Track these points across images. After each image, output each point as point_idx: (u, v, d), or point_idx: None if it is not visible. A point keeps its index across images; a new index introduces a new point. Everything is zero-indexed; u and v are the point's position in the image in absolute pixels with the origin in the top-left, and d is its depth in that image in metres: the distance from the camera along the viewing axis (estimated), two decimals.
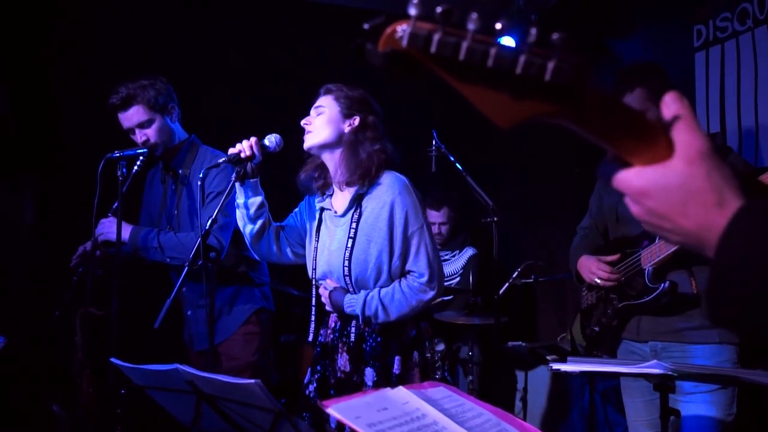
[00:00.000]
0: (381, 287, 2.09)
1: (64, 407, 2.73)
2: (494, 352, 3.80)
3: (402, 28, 0.56)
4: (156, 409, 1.87)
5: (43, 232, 3.68)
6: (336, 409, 1.12)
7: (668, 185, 0.65)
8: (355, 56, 0.57)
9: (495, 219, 3.08)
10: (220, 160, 2.17)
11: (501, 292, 3.59)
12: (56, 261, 2.87)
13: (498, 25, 0.57)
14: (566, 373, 1.70)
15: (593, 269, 2.37)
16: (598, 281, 2.35)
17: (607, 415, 3.24)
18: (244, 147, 2.12)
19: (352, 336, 2.10)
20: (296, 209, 2.37)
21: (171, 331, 2.78)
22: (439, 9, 0.56)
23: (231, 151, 2.13)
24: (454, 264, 4.03)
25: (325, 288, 2.18)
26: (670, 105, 0.67)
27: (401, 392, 1.30)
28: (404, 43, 0.56)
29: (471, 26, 0.57)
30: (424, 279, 2.07)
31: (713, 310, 0.65)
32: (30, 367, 3.39)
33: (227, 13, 4.07)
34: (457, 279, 3.96)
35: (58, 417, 2.77)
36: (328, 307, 2.18)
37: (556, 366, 1.63)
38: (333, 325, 2.16)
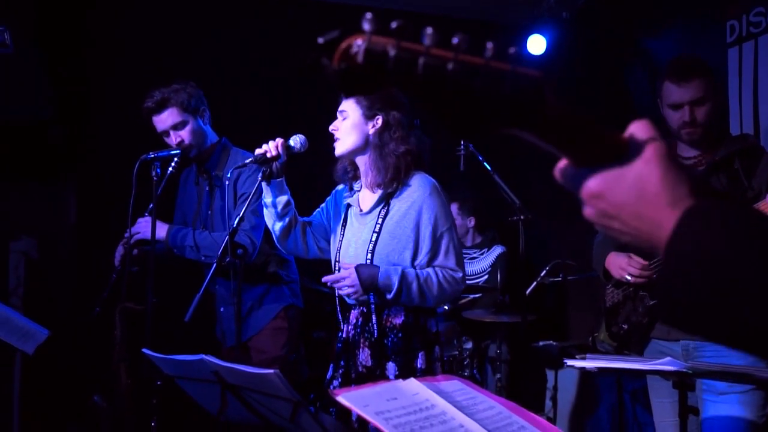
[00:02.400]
0: (427, 272, 2.11)
1: (105, 398, 2.86)
2: (521, 351, 3.81)
3: (357, 44, 0.56)
4: (188, 400, 1.96)
5: (86, 231, 3.84)
6: (346, 398, 1.18)
7: (622, 186, 0.67)
8: (309, 72, 0.58)
9: (521, 217, 3.09)
10: (247, 161, 2.24)
11: (529, 290, 3.60)
12: (98, 258, 3.01)
13: (455, 40, 0.57)
14: (583, 369, 1.71)
15: (623, 265, 2.32)
16: (629, 278, 2.31)
17: (636, 415, 3.21)
18: (270, 148, 2.19)
19: (375, 332, 2.14)
20: (323, 205, 2.43)
21: (205, 326, 2.89)
22: (393, 24, 0.56)
23: (257, 151, 2.21)
24: (483, 262, 4.05)
25: (344, 268, 2.15)
26: (633, 125, 0.70)
27: (412, 384, 1.34)
28: (360, 58, 0.56)
29: (427, 41, 0.57)
30: (459, 275, 2.14)
31: (663, 309, 0.66)
32: (72, 360, 3.55)
33: (252, 17, 4.17)
34: (486, 277, 3.98)
35: (98, 407, 2.90)
36: (346, 287, 2.12)
37: (570, 362, 1.65)
38: (354, 321, 2.19)
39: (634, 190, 0.66)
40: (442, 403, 1.30)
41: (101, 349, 2.88)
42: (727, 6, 3.30)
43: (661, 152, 0.67)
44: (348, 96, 2.04)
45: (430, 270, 2.12)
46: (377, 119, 2.16)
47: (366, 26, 0.56)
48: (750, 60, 3.17)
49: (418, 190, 2.14)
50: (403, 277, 2.07)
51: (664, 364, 1.53)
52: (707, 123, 2.20)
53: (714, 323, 0.63)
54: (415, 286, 2.08)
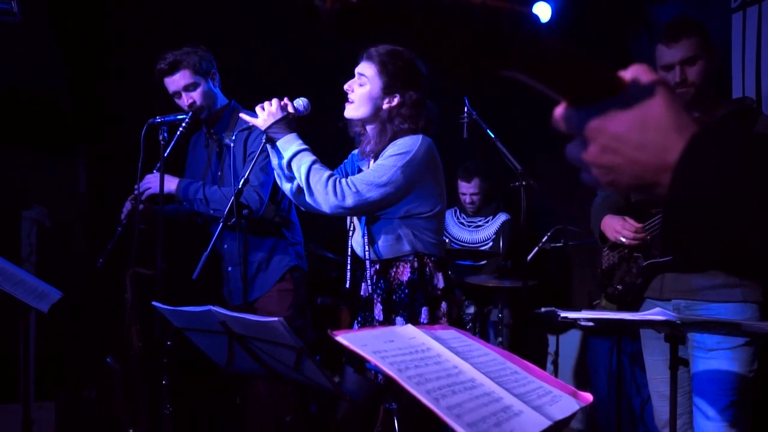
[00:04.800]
0: (331, 172, 2.13)
1: (117, 359, 2.95)
2: (523, 316, 3.88)
3: None
4: (198, 359, 2.03)
5: (95, 199, 3.92)
6: (344, 338, 1.24)
7: (624, 116, 0.65)
8: (303, 15, 0.57)
9: (523, 183, 3.13)
10: (251, 123, 2.29)
11: (530, 256, 3.65)
12: (108, 225, 3.08)
13: None
14: (583, 332, 1.77)
15: (618, 228, 2.37)
16: (624, 240, 2.36)
17: (635, 376, 3.28)
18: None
19: (384, 288, 2.23)
20: (341, 165, 2.47)
21: (213, 287, 2.97)
22: None
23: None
24: (488, 229, 4.11)
25: (262, 108, 2.20)
26: (632, 67, 0.68)
27: (409, 329, 1.40)
28: None
29: None
30: (353, 189, 2.07)
31: (671, 230, 0.64)
32: (86, 324, 3.66)
33: None
34: (490, 244, 4.04)
35: (111, 368, 2.99)
36: (262, 110, 2.19)
37: (564, 314, 1.70)
38: (370, 279, 2.29)
39: (637, 120, 0.65)
40: (437, 346, 1.36)
41: (113, 313, 2.97)
42: None
43: (663, 87, 0.66)
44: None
45: (338, 177, 2.12)
46: (395, 97, 2.18)
47: None
48: (754, 25, 3.17)
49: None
50: (302, 155, 2.12)
51: (654, 314, 1.58)
52: (700, 83, 2.20)
53: (721, 244, 0.61)
54: (306, 167, 2.11)
